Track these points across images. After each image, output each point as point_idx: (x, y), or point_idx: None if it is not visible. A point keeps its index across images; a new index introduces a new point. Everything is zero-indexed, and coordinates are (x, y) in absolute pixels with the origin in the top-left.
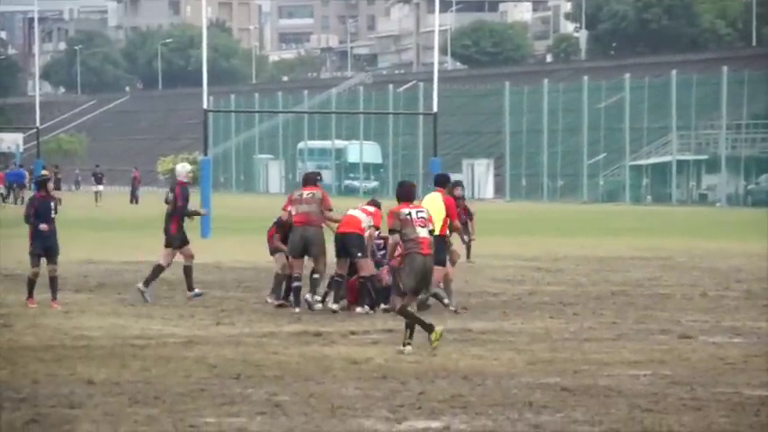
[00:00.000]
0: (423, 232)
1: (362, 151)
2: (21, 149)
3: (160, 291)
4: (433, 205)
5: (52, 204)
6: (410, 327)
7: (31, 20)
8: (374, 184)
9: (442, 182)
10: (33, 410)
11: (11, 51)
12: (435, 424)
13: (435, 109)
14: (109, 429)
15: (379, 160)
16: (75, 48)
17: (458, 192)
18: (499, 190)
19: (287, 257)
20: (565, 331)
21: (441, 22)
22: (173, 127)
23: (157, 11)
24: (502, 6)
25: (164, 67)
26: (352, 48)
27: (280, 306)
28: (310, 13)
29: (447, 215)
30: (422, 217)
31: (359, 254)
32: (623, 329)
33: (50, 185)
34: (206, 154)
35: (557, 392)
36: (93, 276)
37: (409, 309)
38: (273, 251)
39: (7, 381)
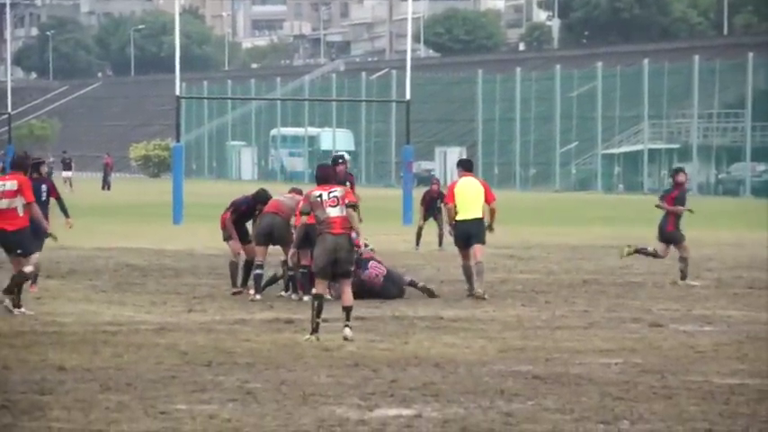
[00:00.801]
0: (334, 212)
1: (335, 139)
2: None
3: (131, 277)
4: (471, 189)
5: (44, 188)
6: (320, 311)
7: (3, 5)
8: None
9: (469, 166)
10: (3, 396)
11: None
12: (407, 411)
13: (408, 96)
14: (80, 416)
15: (351, 147)
16: (48, 33)
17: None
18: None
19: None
20: (537, 319)
21: (414, 10)
22: (145, 113)
23: None
24: None
25: (136, 54)
26: (325, 35)
27: (236, 293)
28: (283, 0)
29: (485, 197)
30: (334, 197)
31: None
32: (595, 318)
33: (44, 168)
34: (178, 140)
35: (528, 380)
36: (64, 262)
37: (321, 299)
38: (227, 238)
39: None
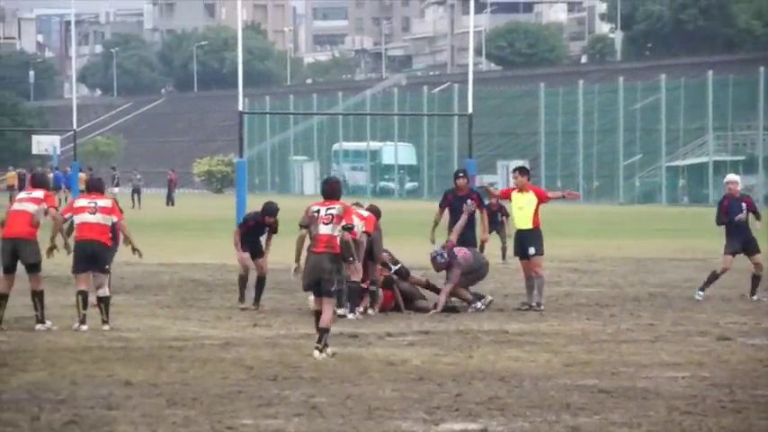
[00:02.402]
0: (324, 229)
1: (397, 153)
2: (58, 152)
3: (196, 292)
4: (525, 199)
5: None
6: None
7: (68, 23)
8: (412, 185)
9: (526, 172)
10: (72, 411)
11: (48, 54)
12: (473, 426)
13: (470, 110)
14: (147, 431)
15: (413, 162)
16: (112, 50)
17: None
18: None
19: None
20: (602, 333)
21: (475, 24)
22: (208, 129)
23: (193, 13)
24: (536, 7)
25: (199, 70)
26: (386, 49)
27: (244, 309)
28: (344, 14)
29: (538, 203)
30: (329, 214)
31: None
32: (661, 331)
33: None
34: (241, 156)
35: (594, 394)
36: (129, 278)
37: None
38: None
39: (46, 382)
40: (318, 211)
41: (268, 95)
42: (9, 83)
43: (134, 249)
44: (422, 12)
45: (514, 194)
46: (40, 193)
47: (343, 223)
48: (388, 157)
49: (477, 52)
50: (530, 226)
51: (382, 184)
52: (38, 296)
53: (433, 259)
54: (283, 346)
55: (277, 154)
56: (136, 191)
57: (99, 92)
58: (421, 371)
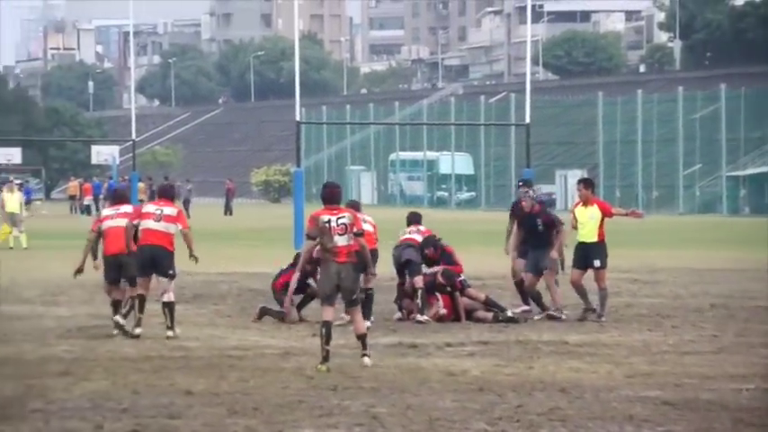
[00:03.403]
0: (340, 240)
1: (454, 162)
2: (117, 162)
3: (255, 302)
4: (589, 213)
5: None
6: (329, 338)
7: (127, 33)
8: (469, 195)
9: (591, 185)
10: (134, 421)
11: (107, 65)
12: None
13: (528, 120)
14: None
15: (471, 171)
16: (170, 61)
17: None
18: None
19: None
20: (664, 344)
21: (532, 33)
22: (265, 139)
23: (250, 23)
24: (594, 16)
25: (256, 80)
26: (443, 59)
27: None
28: (401, 24)
29: (603, 217)
30: (342, 224)
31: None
32: (724, 342)
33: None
34: (299, 165)
35: (657, 406)
36: (189, 288)
37: (329, 326)
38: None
39: (108, 391)
40: (329, 221)
41: (325, 105)
42: (69, 93)
43: (191, 255)
44: (478, 21)
45: (578, 209)
46: (173, 210)
47: (355, 230)
48: (444, 167)
49: (535, 61)
50: (594, 239)
51: (439, 193)
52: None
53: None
54: (343, 356)
55: (334, 164)
56: (186, 201)
57: (157, 102)
58: (481, 381)
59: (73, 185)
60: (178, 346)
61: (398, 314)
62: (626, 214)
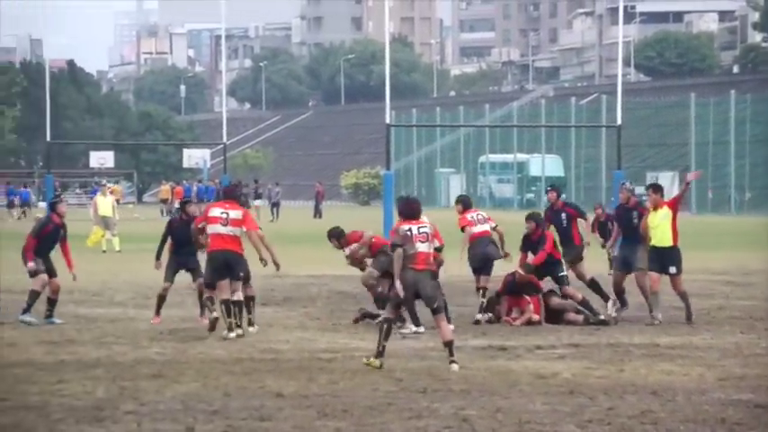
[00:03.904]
0: (422, 247)
1: (544, 164)
2: (208, 165)
3: (344, 304)
4: (659, 216)
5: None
6: (387, 335)
7: (218, 37)
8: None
9: (660, 189)
10: (225, 422)
11: (198, 69)
12: None
13: (619, 121)
14: None
15: (561, 173)
16: (260, 64)
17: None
18: (685, 203)
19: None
20: (757, 346)
21: (624, 34)
22: (355, 142)
23: (340, 27)
24: (687, 17)
25: (346, 83)
26: (533, 61)
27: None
28: (491, 26)
29: (673, 215)
30: (424, 233)
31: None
32: None
33: (192, 208)
34: (389, 168)
35: (750, 409)
36: (279, 290)
37: (390, 322)
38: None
39: (200, 393)
40: (411, 230)
41: (415, 108)
42: (161, 97)
43: (261, 259)
44: (569, 22)
45: (651, 215)
46: (238, 213)
47: (436, 243)
48: (535, 169)
49: (626, 63)
50: (668, 243)
51: (529, 196)
52: (251, 300)
53: None
54: (432, 359)
55: (423, 166)
56: (275, 204)
57: (248, 105)
58: (572, 384)
59: (164, 189)
60: (268, 349)
61: (479, 316)
62: (687, 184)
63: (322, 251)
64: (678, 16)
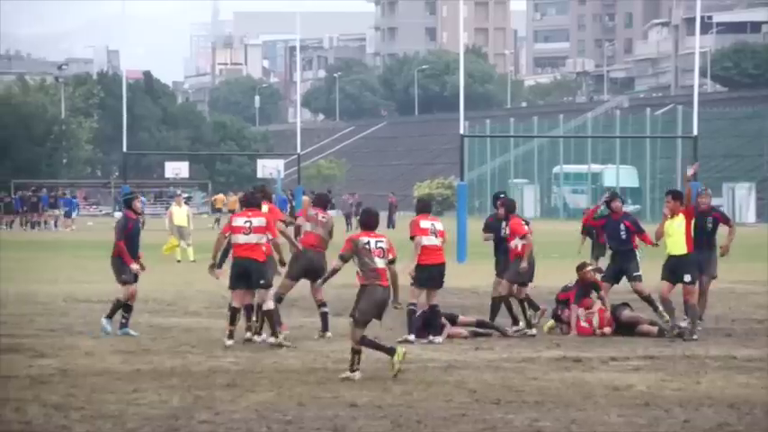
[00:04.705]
0: (381, 263)
1: (619, 175)
2: (282, 175)
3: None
4: (675, 222)
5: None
6: (358, 353)
7: (293, 48)
8: (634, 208)
9: (680, 196)
10: None
11: (273, 80)
12: None
13: (695, 132)
14: None
15: (636, 184)
16: (335, 75)
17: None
18: (762, 214)
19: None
20: None
21: (701, 44)
22: (429, 152)
23: (414, 37)
24: (765, 27)
25: (420, 93)
26: (608, 71)
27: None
28: (566, 37)
29: (687, 222)
30: (380, 247)
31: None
32: None
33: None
34: (462, 179)
35: None
36: (350, 300)
37: (365, 337)
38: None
39: (274, 402)
40: (369, 243)
41: (488, 118)
42: (235, 108)
43: (282, 263)
44: (645, 33)
45: (667, 223)
46: (261, 221)
47: (390, 257)
48: (609, 180)
49: (703, 73)
50: (683, 251)
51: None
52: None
53: None
54: (506, 370)
55: (497, 177)
56: (348, 215)
57: (322, 116)
58: (647, 396)
59: (232, 200)
60: (342, 359)
61: (513, 327)
62: (688, 180)
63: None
64: (756, 26)
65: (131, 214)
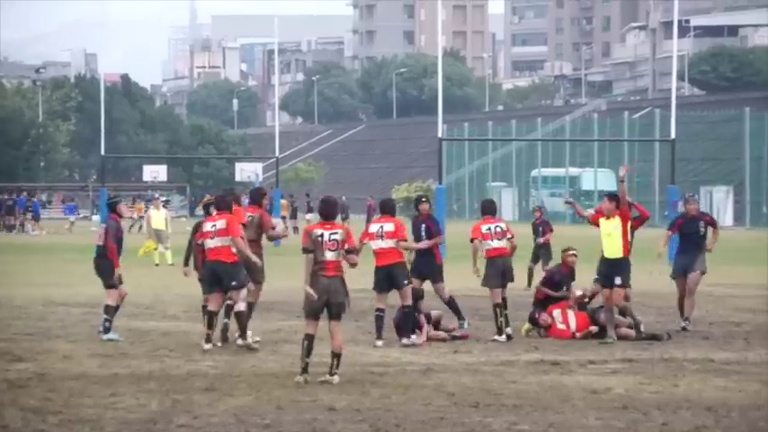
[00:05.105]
0: (330, 255)
1: (597, 178)
2: (260, 179)
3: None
4: (612, 225)
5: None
6: (309, 351)
7: (271, 51)
8: None
9: (616, 199)
10: None
11: (251, 83)
12: None
13: (673, 135)
14: None
15: (613, 187)
16: (313, 78)
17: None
18: (739, 218)
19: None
20: None
21: (678, 48)
22: (407, 155)
23: (392, 41)
24: (742, 31)
25: (398, 97)
26: (586, 74)
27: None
28: (544, 40)
29: (624, 225)
30: (334, 240)
31: (404, 282)
32: None
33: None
34: (441, 182)
35: None
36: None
37: (311, 339)
38: None
39: (252, 406)
40: (322, 236)
41: (467, 122)
42: (213, 111)
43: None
44: (623, 36)
45: (602, 221)
46: (223, 223)
47: (347, 247)
48: (587, 183)
49: (680, 77)
50: (619, 255)
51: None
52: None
53: None
54: (484, 373)
55: (475, 180)
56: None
57: (300, 119)
58: (625, 399)
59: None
60: (320, 363)
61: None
62: (621, 180)
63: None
64: (733, 30)
65: (116, 217)
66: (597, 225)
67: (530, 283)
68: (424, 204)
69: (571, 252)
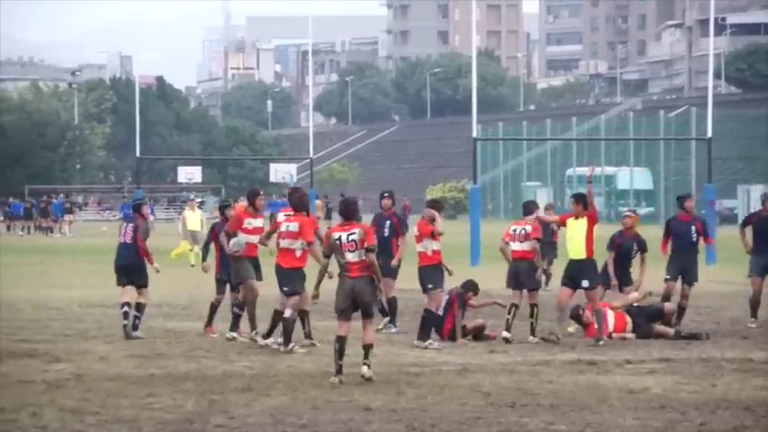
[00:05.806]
0: (351, 257)
1: (633, 177)
2: (294, 179)
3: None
4: (578, 225)
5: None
6: (341, 353)
7: (305, 52)
8: (648, 210)
9: (582, 199)
10: None
11: (285, 84)
12: None
13: (709, 134)
14: None
15: (649, 186)
16: (347, 79)
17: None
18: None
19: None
20: None
21: (714, 46)
22: (441, 155)
23: (427, 41)
24: None
25: (432, 97)
26: (621, 73)
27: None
28: (579, 39)
29: (589, 226)
30: (352, 240)
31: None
32: None
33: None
34: (475, 182)
35: None
36: None
37: (343, 341)
38: None
39: (288, 406)
40: (340, 239)
41: (501, 121)
42: (248, 113)
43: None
44: (658, 35)
45: (569, 221)
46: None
47: (366, 245)
48: (623, 182)
49: (717, 75)
50: (582, 256)
51: (618, 209)
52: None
53: None
54: (520, 373)
55: (510, 180)
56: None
57: (334, 120)
58: (662, 399)
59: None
60: (356, 363)
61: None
62: (589, 181)
63: (409, 266)
64: None
65: (140, 219)
66: (565, 225)
67: (546, 282)
68: (386, 200)
69: (625, 214)
